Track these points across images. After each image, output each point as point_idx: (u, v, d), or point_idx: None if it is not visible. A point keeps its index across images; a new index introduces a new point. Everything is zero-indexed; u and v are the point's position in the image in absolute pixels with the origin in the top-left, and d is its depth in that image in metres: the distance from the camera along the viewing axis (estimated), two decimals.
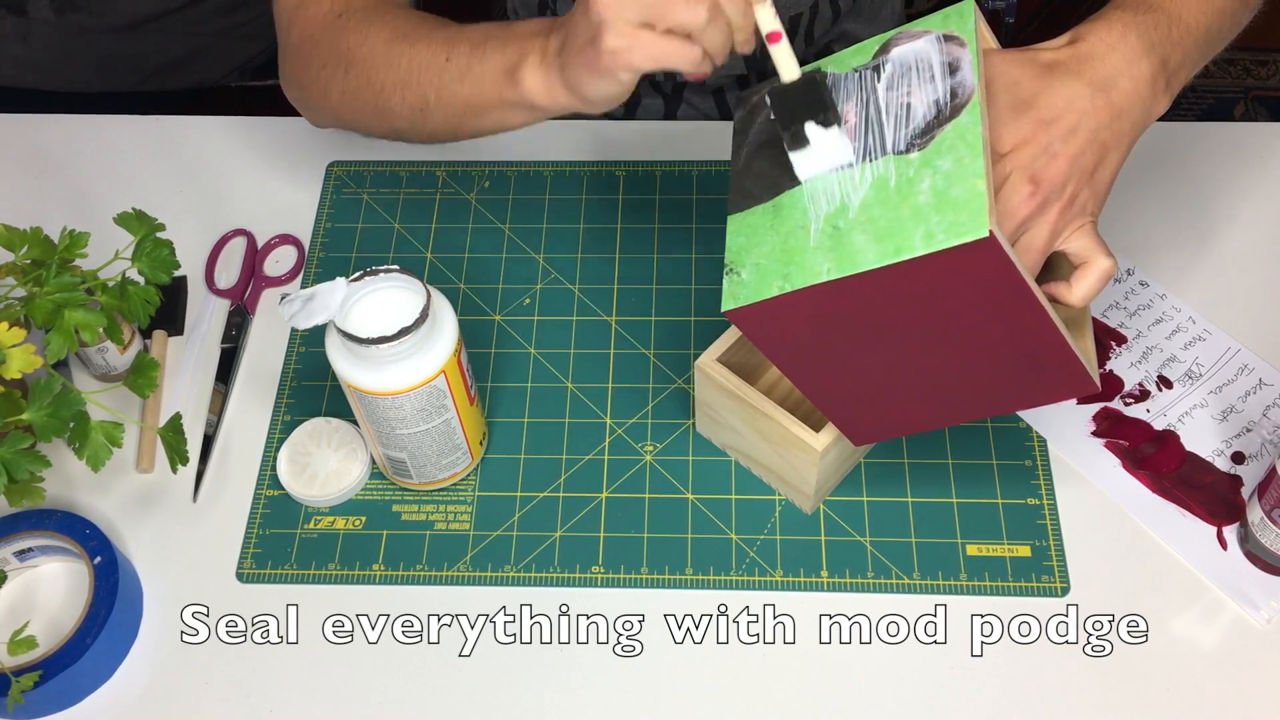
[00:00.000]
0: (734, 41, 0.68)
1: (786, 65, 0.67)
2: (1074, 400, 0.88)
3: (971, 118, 0.64)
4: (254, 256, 1.00)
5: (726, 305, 0.68)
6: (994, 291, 0.64)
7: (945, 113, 0.66)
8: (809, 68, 0.69)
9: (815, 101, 0.66)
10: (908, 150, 0.66)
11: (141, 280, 0.80)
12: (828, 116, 0.66)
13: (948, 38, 0.69)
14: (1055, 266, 0.73)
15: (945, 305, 0.65)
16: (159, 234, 0.81)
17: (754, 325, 0.69)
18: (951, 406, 0.74)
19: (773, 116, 0.68)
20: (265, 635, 0.81)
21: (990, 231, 0.60)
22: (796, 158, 0.68)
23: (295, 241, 1.01)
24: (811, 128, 0.67)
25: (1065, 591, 0.81)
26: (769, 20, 0.67)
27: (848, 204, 0.66)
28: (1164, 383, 0.89)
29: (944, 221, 0.61)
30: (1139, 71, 0.71)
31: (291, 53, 0.89)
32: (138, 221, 0.80)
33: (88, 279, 0.78)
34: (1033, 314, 0.65)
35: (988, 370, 0.70)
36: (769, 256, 0.67)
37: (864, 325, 0.67)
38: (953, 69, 0.67)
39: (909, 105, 0.67)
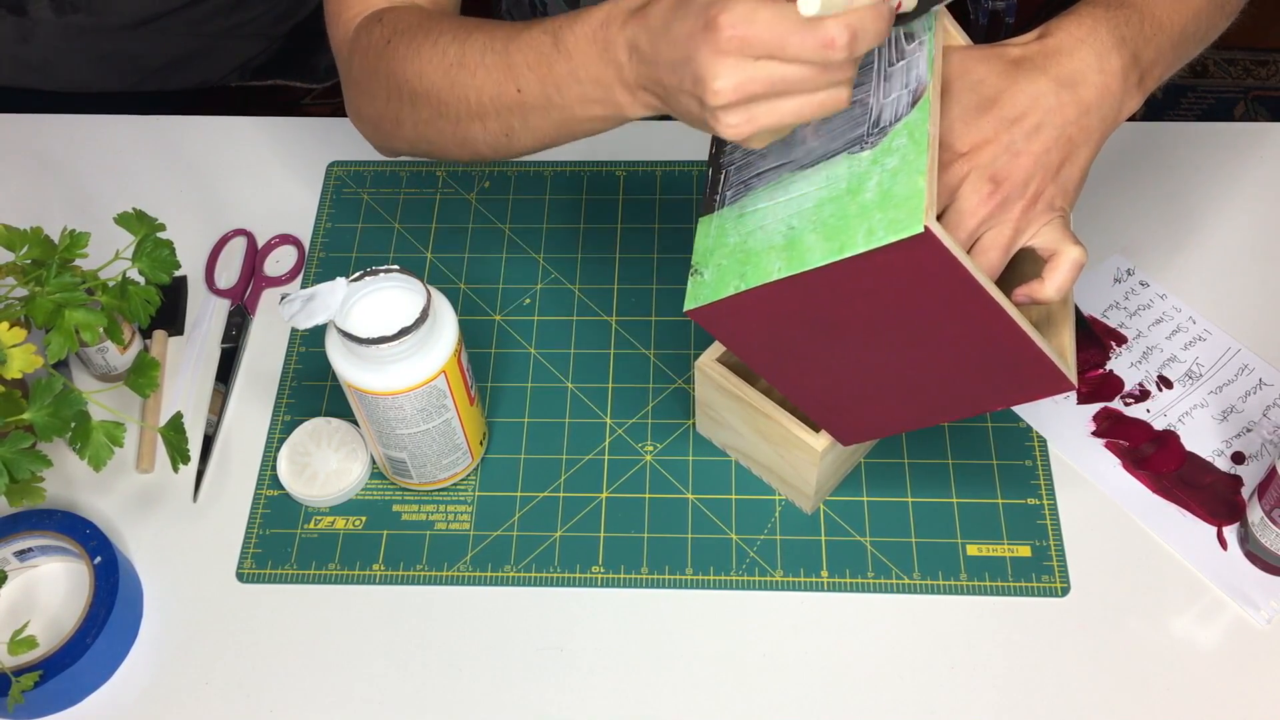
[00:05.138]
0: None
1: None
2: (1074, 400, 0.89)
3: (921, 114, 0.64)
4: (254, 256, 1.00)
5: (688, 305, 0.69)
6: (942, 288, 0.64)
7: (900, 111, 0.65)
8: None
9: None
10: (860, 149, 0.66)
11: (142, 280, 0.80)
12: None
13: (908, 35, 0.69)
14: (1027, 263, 0.73)
15: (897, 303, 0.65)
16: (159, 234, 0.81)
17: (716, 324, 0.70)
18: (929, 406, 0.74)
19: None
20: (265, 635, 0.81)
21: (926, 227, 0.59)
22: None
23: (295, 241, 1.01)
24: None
25: (1065, 591, 0.81)
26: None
27: (804, 204, 0.66)
28: (1164, 383, 0.89)
29: (885, 219, 0.61)
30: (1109, 66, 0.69)
31: (355, 87, 0.84)
32: (138, 221, 0.80)
33: (88, 279, 0.78)
34: (987, 310, 0.65)
35: (958, 369, 0.70)
36: (729, 257, 0.68)
37: (822, 324, 0.68)
38: (908, 67, 0.67)
39: (865, 104, 0.67)
